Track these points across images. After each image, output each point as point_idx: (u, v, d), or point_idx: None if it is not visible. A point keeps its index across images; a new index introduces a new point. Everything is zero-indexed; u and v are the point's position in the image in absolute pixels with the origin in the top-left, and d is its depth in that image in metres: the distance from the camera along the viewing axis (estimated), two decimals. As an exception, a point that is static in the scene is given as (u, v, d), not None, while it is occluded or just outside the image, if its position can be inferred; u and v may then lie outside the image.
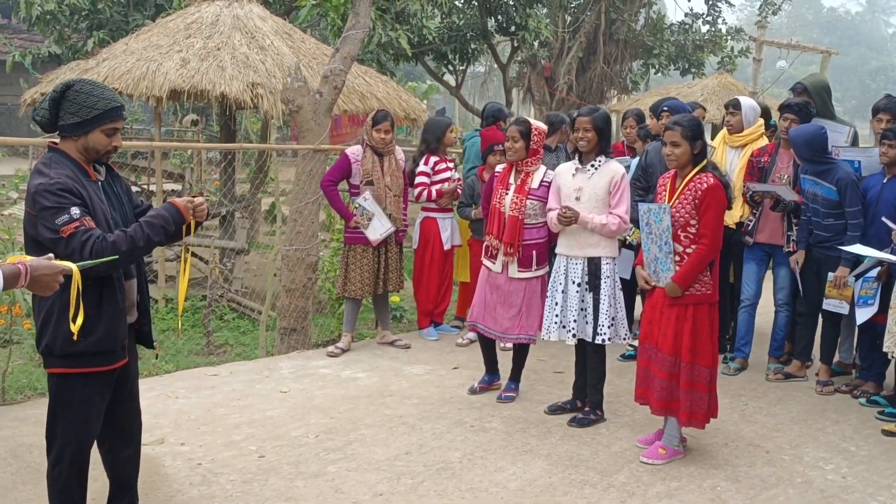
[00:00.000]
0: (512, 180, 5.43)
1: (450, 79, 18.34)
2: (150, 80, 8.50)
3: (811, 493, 4.35)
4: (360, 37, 7.16)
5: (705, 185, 4.47)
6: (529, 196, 5.34)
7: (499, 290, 5.45)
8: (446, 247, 7.07)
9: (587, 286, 5.07)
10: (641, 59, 17.74)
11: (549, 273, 5.39)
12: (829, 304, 5.77)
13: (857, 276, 5.60)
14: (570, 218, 4.96)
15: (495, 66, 18.54)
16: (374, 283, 6.69)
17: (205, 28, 9.31)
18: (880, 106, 6.05)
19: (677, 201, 4.54)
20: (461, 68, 17.18)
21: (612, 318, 5.07)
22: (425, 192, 6.95)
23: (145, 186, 12.21)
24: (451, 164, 7.20)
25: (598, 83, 17.30)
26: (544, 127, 5.47)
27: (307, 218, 6.98)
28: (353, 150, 6.60)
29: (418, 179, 6.96)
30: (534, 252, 5.39)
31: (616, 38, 16.80)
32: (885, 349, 5.27)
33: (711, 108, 13.74)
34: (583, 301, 5.07)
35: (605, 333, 5.03)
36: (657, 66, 17.65)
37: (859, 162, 5.90)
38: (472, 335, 6.69)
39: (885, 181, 5.66)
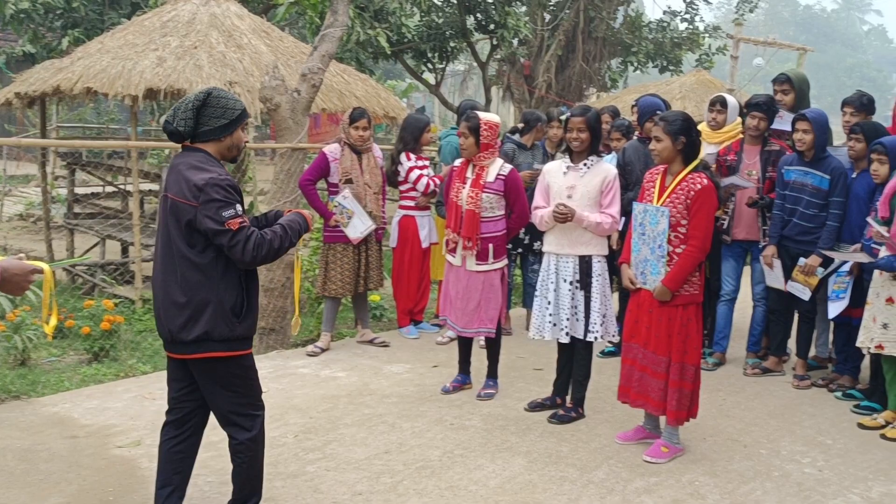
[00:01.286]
0: (469, 174, 5.43)
1: (429, 77, 18.33)
2: (126, 79, 8.45)
3: (788, 486, 4.38)
4: (339, 35, 7.14)
5: (699, 186, 4.45)
6: (485, 190, 5.35)
7: (459, 283, 5.47)
8: (424, 245, 7.06)
9: (578, 284, 5.07)
10: (620, 57, 17.81)
11: (508, 266, 5.41)
12: (793, 288, 5.84)
13: (831, 272, 5.65)
14: (566, 215, 4.95)
15: (475, 64, 18.54)
16: (355, 281, 6.67)
17: (181, 26, 9.26)
18: (845, 99, 6.21)
19: (668, 200, 4.52)
20: (440, 66, 17.16)
21: (603, 316, 5.08)
22: (430, 182, 6.86)
23: (122, 186, 12.11)
24: (427, 164, 7.18)
25: (577, 81, 17.36)
26: (496, 120, 5.43)
27: (285, 217, 6.94)
28: (331, 149, 6.58)
29: (414, 174, 6.89)
30: (490, 245, 5.39)
31: (595, 36, 16.86)
32: (858, 344, 5.31)
33: (689, 105, 13.77)
34: (574, 299, 5.08)
35: (596, 331, 5.05)
36: (635, 64, 17.73)
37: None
38: (451, 333, 6.69)
39: (853, 176, 5.71)
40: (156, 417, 5.07)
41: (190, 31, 9.14)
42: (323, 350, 6.60)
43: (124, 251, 10.74)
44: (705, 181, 4.46)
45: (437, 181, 6.86)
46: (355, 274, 6.64)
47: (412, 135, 7.02)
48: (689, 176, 4.50)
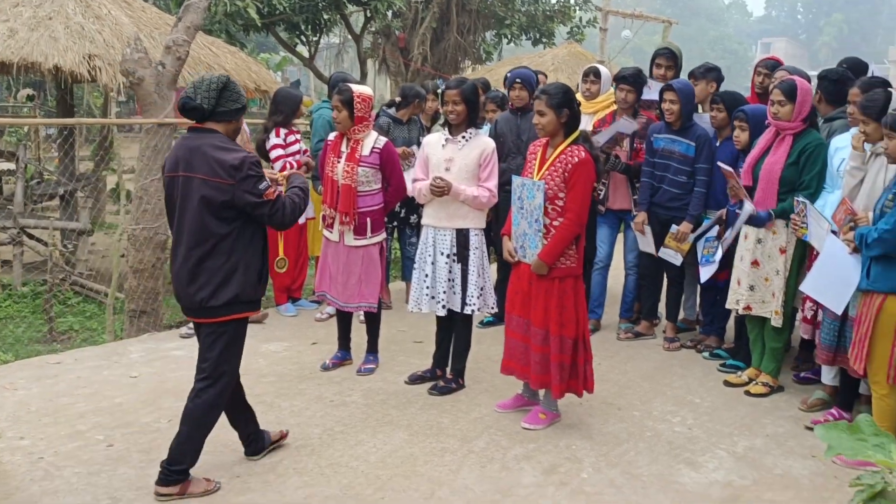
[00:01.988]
0: (343, 148, 5.36)
1: (303, 50, 17.99)
2: (-27, 52, 7.92)
3: (660, 445, 4.53)
4: (204, 5, 6.87)
5: (576, 159, 4.46)
6: (361, 163, 5.29)
7: (338, 259, 5.41)
8: (300, 221, 6.92)
9: (455, 257, 5.06)
10: (494, 30, 17.91)
11: (386, 240, 5.39)
12: (665, 254, 6.04)
13: (699, 236, 5.86)
14: (442, 188, 4.92)
15: (349, 37, 18.30)
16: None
17: (34, -5, 8.73)
18: (690, 71, 6.48)
19: (547, 172, 4.53)
20: (314, 39, 16.86)
21: (481, 289, 5.09)
22: (286, 164, 6.72)
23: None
24: (299, 136, 7.03)
25: (453, 53, 17.38)
26: (369, 93, 5.37)
27: (153, 195, 6.67)
28: None
29: (275, 153, 6.73)
30: (368, 219, 5.35)
31: (468, 9, 16.89)
32: (727, 305, 5.53)
33: (562, 76, 14.01)
34: (451, 272, 5.07)
35: (473, 304, 5.05)
36: (509, 37, 17.87)
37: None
38: (330, 309, 6.61)
39: (717, 144, 5.93)
40: (18, 408, 4.84)
41: (44, 1, 8.63)
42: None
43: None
44: (583, 154, 4.48)
45: (295, 165, 6.71)
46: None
47: (291, 108, 6.85)
48: (568, 148, 4.52)
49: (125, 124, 11.56)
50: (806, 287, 4.79)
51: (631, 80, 6.23)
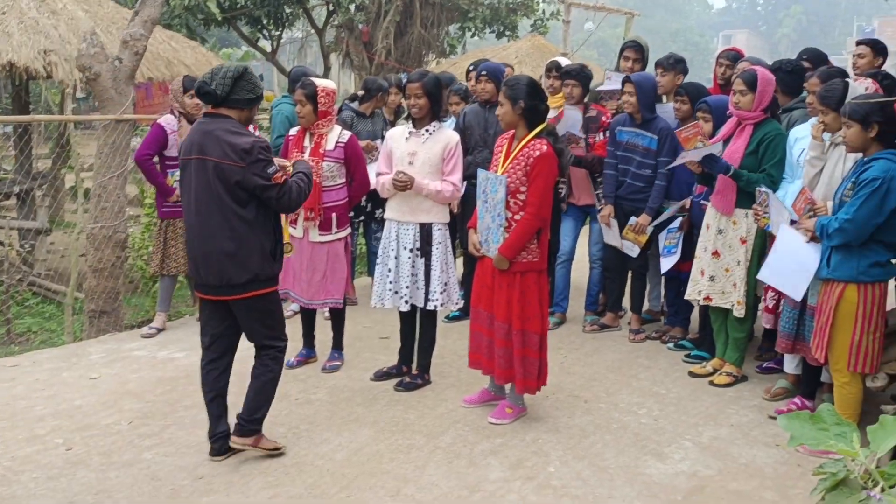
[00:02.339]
0: (307, 143, 5.31)
1: (265, 44, 17.83)
2: (-75, 48, 7.74)
3: (626, 437, 4.54)
4: (160, -1, 6.77)
5: (538, 153, 4.42)
6: (325, 158, 5.23)
7: (302, 255, 5.34)
8: None
9: (419, 252, 5.02)
10: (458, 23, 17.86)
11: (351, 235, 5.35)
12: (623, 245, 6.04)
13: (660, 227, 5.88)
14: (405, 183, 4.87)
15: (312, 31, 18.16)
16: (199, 256, 6.41)
17: (-14, -10, 8.55)
18: (657, 61, 6.44)
19: (510, 166, 4.49)
20: (276, 34, 16.71)
21: (445, 284, 5.04)
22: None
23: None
24: (258, 133, 6.94)
25: (417, 47, 17.30)
26: (332, 86, 5.31)
27: (112, 193, 6.58)
28: (168, 120, 6.24)
29: None
30: (333, 214, 5.30)
31: (432, 2, 16.81)
32: (687, 296, 5.56)
33: (526, 69, 13.99)
34: (414, 267, 5.03)
35: (437, 300, 5.01)
36: (473, 30, 17.83)
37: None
38: (294, 306, 6.54)
39: None
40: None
41: (-4, -4, 8.47)
42: (159, 331, 6.31)
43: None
44: (545, 147, 4.44)
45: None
46: (199, 248, 6.39)
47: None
48: (531, 142, 4.48)
49: (83, 121, 11.34)
50: (763, 275, 4.82)
51: (573, 74, 6.23)
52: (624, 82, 5.94)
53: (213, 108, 3.96)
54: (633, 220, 5.96)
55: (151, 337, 6.21)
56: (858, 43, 6.07)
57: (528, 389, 4.65)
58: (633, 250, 6.00)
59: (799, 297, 4.60)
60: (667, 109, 6.07)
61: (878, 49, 5.92)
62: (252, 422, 4.16)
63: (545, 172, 4.44)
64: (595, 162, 6.21)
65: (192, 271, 4.15)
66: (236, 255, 3.93)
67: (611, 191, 6.12)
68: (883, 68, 5.84)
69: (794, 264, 4.53)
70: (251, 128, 6.71)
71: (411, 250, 4.99)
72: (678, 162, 5.42)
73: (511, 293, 4.53)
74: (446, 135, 5.01)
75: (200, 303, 4.33)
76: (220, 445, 4.20)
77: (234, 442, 4.16)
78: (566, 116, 6.16)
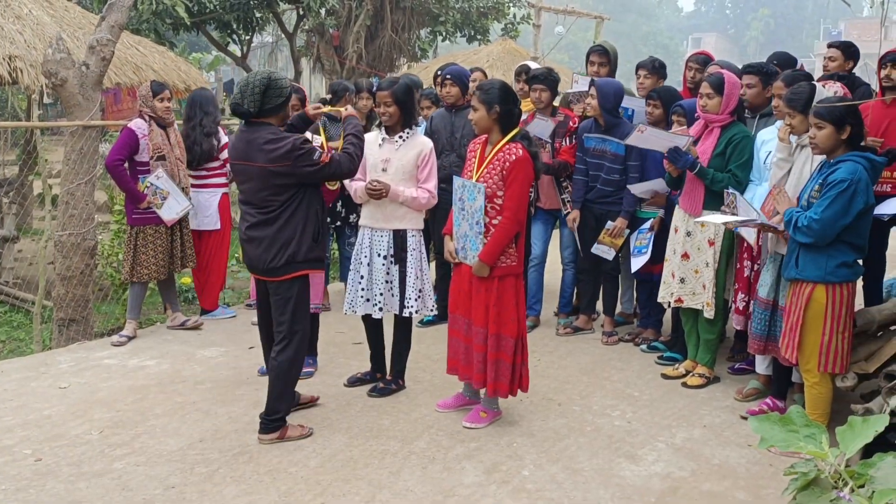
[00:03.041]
0: None
1: (235, 49, 17.71)
2: None
3: (600, 439, 4.56)
4: (128, 3, 6.69)
5: (513, 157, 4.42)
6: None
7: None
8: (209, 227, 6.80)
9: (392, 259, 4.99)
10: (429, 27, 17.86)
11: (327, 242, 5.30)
12: (598, 250, 6.08)
13: (632, 228, 5.92)
14: (379, 191, 4.84)
15: (283, 35, 18.07)
16: (170, 263, 6.36)
17: (-51, -5, 8.43)
18: (639, 63, 6.52)
19: (486, 171, 4.49)
20: (246, 38, 16.60)
21: (419, 291, 5.03)
22: None
23: None
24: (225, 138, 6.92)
25: (388, 51, 17.27)
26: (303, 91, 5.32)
27: (80, 200, 6.51)
28: (138, 125, 6.18)
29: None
30: None
31: (403, 6, 16.80)
32: (659, 299, 5.59)
33: (497, 73, 14.03)
34: (388, 274, 5.00)
35: (412, 306, 4.99)
36: (444, 34, 17.83)
37: (633, 110, 6.21)
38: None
39: None
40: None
41: (-40, 1, 8.35)
42: (130, 338, 6.25)
43: None
44: (521, 151, 4.44)
45: None
46: (169, 255, 6.34)
47: (217, 107, 6.77)
48: (506, 146, 4.48)
49: (50, 127, 11.21)
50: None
51: (541, 78, 6.24)
52: (590, 86, 5.98)
53: (251, 120, 4.30)
54: (609, 224, 5.98)
55: (122, 345, 6.14)
56: (830, 45, 6.11)
57: (500, 392, 4.63)
58: (609, 254, 6.03)
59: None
60: (639, 105, 6.11)
61: (850, 52, 5.96)
62: (273, 420, 4.46)
63: (521, 176, 4.44)
64: (560, 168, 6.22)
65: (243, 256, 4.57)
66: (277, 239, 4.32)
67: (579, 196, 6.14)
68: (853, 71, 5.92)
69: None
70: (223, 131, 6.73)
71: (385, 257, 4.97)
72: (631, 139, 5.43)
73: (489, 298, 4.52)
74: (420, 141, 4.98)
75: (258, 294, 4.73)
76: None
77: (261, 440, 4.43)
78: (536, 122, 6.16)
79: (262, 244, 4.34)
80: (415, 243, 5.01)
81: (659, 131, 5.35)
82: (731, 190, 4.92)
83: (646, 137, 5.31)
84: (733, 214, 4.87)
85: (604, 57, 6.58)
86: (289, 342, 4.41)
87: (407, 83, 4.99)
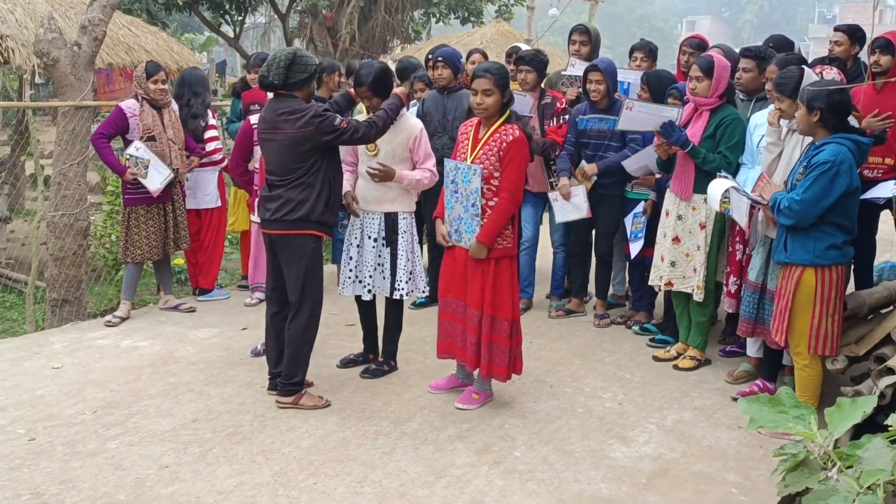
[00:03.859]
0: None
1: (227, 30, 17.64)
2: None
3: (591, 421, 4.59)
4: (120, -17, 6.66)
5: (511, 138, 4.41)
6: None
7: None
8: (188, 206, 6.76)
9: (384, 241, 4.99)
10: (422, 9, 17.80)
11: None
12: (563, 210, 6.10)
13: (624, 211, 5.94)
14: (385, 174, 4.82)
15: (275, 16, 17.98)
16: (163, 243, 6.34)
17: (-61, -27, 8.36)
18: (634, 45, 6.55)
19: (482, 152, 4.48)
20: (239, 19, 16.53)
21: (410, 273, 5.03)
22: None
23: None
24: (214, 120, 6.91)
25: (381, 33, 17.22)
26: None
27: (73, 181, 6.49)
28: (129, 105, 6.15)
29: (210, 132, 6.66)
30: None
31: (396, -13, 16.75)
32: (650, 282, 5.62)
33: (491, 55, 13.98)
34: (380, 256, 5.00)
35: (402, 288, 4.99)
36: (438, 16, 17.78)
37: (629, 84, 6.22)
38: (260, 294, 6.52)
39: None
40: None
41: (-49, -20, 8.28)
42: (123, 319, 6.24)
43: None
44: (517, 132, 4.44)
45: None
46: (162, 235, 6.31)
47: (208, 88, 6.75)
48: (502, 128, 4.48)
49: (42, 107, 11.17)
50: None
51: (527, 59, 6.23)
52: (590, 70, 5.95)
53: (278, 92, 4.52)
54: (583, 164, 6.00)
55: (115, 326, 6.14)
56: (836, 29, 6.05)
57: (495, 375, 4.65)
58: (579, 210, 6.02)
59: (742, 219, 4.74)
60: (634, 77, 6.12)
61: (856, 37, 5.88)
62: (289, 384, 4.66)
63: (518, 157, 4.45)
64: (548, 147, 6.21)
65: (260, 211, 4.73)
66: (293, 199, 4.52)
67: (566, 166, 6.12)
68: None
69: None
70: (212, 114, 6.72)
71: (376, 239, 4.97)
72: (622, 122, 5.45)
73: (485, 280, 4.52)
74: (409, 124, 4.95)
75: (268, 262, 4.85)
76: (273, 383, 4.80)
77: (278, 401, 4.68)
78: (515, 99, 6.16)
79: (280, 200, 4.56)
80: (406, 225, 5.01)
81: (648, 105, 5.36)
82: (722, 173, 4.93)
83: (635, 116, 5.31)
84: (725, 198, 4.87)
85: (584, 35, 6.60)
86: (299, 309, 4.60)
87: (381, 68, 4.91)
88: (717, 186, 4.76)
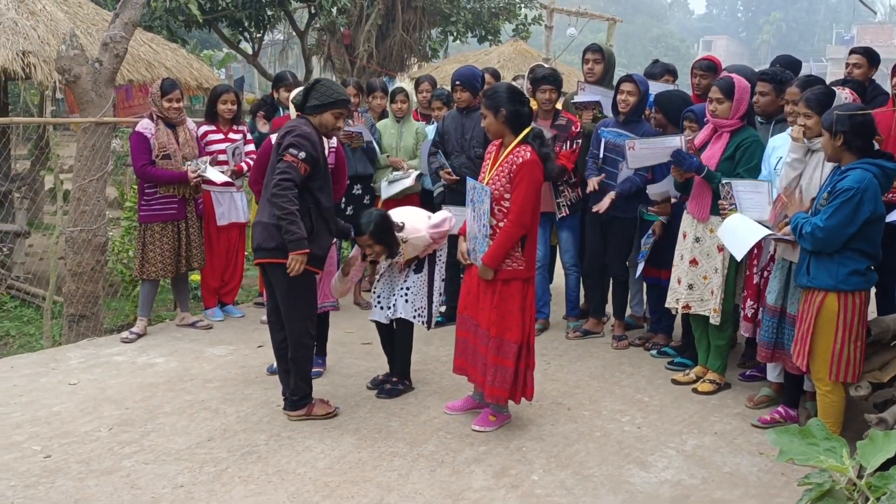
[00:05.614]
0: None
1: (246, 47, 17.73)
2: None
3: (609, 445, 4.53)
4: (141, 1, 6.70)
5: (520, 160, 4.38)
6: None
7: None
8: (220, 223, 6.74)
9: (415, 268, 5.06)
10: (440, 27, 17.86)
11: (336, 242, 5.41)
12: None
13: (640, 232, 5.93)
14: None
15: (294, 33, 18.08)
16: (176, 261, 6.32)
17: (-37, -10, 8.44)
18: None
19: (495, 173, 4.47)
20: (257, 36, 16.61)
21: (432, 298, 5.13)
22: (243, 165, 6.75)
23: None
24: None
25: (398, 50, 17.29)
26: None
27: (92, 196, 6.51)
28: (145, 126, 6.14)
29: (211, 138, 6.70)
30: None
31: (414, 6, 16.81)
32: (666, 305, 5.56)
33: (508, 74, 14.01)
34: (407, 279, 5.04)
35: (423, 315, 5.07)
36: (455, 34, 17.82)
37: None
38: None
39: None
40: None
41: (-25, -3, 8.36)
42: (139, 336, 6.25)
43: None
44: (528, 154, 4.40)
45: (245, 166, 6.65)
46: (176, 253, 6.30)
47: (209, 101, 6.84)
48: (516, 149, 4.45)
49: (63, 123, 11.25)
50: (719, 232, 4.91)
51: (550, 79, 6.19)
52: (624, 80, 5.87)
53: (298, 113, 4.67)
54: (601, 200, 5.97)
55: (131, 342, 6.15)
56: (853, 51, 6.04)
57: (497, 398, 4.58)
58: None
59: (739, 257, 4.76)
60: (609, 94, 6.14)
61: (874, 59, 5.92)
62: (298, 399, 4.74)
63: (527, 179, 4.40)
64: (558, 172, 6.14)
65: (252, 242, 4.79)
66: (271, 225, 4.52)
67: (593, 170, 6.06)
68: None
69: (743, 231, 4.68)
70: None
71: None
72: (630, 162, 5.45)
73: (492, 300, 4.50)
74: (418, 239, 4.98)
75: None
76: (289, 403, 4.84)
77: (289, 416, 4.74)
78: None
79: (260, 226, 4.59)
80: (441, 255, 5.15)
81: (649, 140, 5.34)
82: (724, 180, 4.89)
83: (640, 153, 5.32)
84: (730, 204, 4.84)
85: (597, 54, 6.58)
86: (288, 327, 4.68)
87: (378, 219, 4.88)
88: (748, 233, 4.71)
